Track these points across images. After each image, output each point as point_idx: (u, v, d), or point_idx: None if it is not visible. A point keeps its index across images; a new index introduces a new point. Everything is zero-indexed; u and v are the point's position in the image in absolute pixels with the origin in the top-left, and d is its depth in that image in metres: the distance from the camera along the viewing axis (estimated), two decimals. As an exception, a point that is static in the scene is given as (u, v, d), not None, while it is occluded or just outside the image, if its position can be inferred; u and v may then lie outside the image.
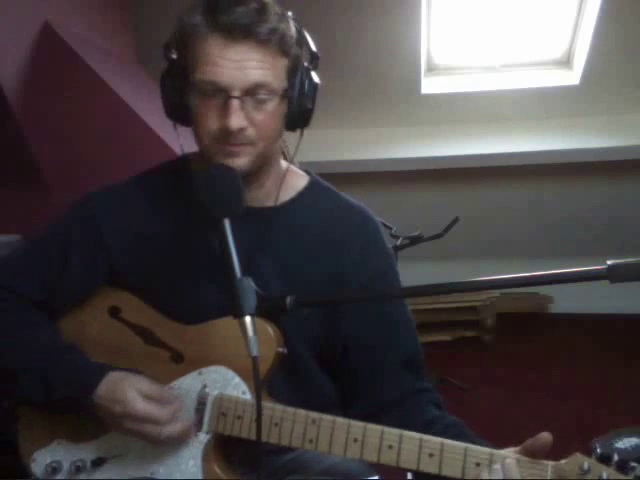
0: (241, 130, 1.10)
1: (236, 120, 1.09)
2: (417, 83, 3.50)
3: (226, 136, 1.11)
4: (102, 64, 2.51)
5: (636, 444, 0.95)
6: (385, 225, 3.18)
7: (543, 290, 4.01)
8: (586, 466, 0.93)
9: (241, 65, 1.08)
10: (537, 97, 3.56)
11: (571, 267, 0.91)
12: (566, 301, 4.00)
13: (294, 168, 1.32)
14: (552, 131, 3.62)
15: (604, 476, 0.91)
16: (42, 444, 1.24)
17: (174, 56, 1.16)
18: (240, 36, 1.08)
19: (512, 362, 3.62)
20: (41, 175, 2.47)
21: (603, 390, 3.20)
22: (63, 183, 2.43)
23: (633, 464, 0.91)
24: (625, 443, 0.96)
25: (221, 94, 1.10)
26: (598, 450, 0.93)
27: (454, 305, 3.81)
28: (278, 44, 1.11)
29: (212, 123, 1.12)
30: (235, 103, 1.09)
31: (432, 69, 3.63)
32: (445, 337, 3.81)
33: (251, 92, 1.10)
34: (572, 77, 3.49)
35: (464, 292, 3.17)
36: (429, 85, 3.58)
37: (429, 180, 3.85)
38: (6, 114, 2.29)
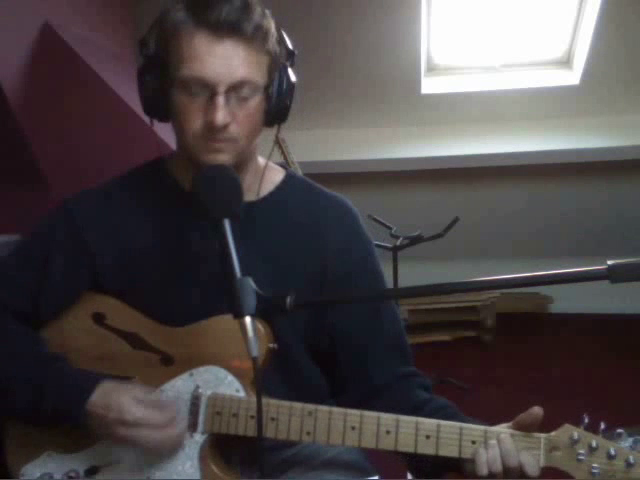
0: (226, 126, 1.11)
1: (222, 116, 1.09)
2: (417, 83, 3.50)
3: (210, 132, 1.11)
4: (102, 64, 2.51)
5: (635, 444, 0.97)
6: (385, 225, 3.18)
7: (543, 290, 4.01)
8: (576, 436, 0.99)
9: (227, 62, 1.09)
10: (537, 97, 3.56)
11: (571, 267, 0.91)
12: (566, 301, 4.00)
13: (270, 163, 1.32)
14: (552, 131, 3.63)
15: (593, 444, 0.97)
16: (30, 457, 1.19)
17: (152, 52, 1.16)
18: (226, 33, 1.08)
19: (512, 362, 3.62)
20: (41, 175, 2.46)
21: (603, 390, 3.20)
22: (63, 183, 2.42)
23: (620, 431, 0.98)
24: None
25: (205, 90, 1.10)
26: (586, 420, 1.00)
27: (454, 305, 3.82)
28: (262, 41, 1.11)
29: (196, 120, 1.11)
30: (221, 99, 1.09)
31: (432, 69, 3.63)
32: (445, 337, 3.82)
33: (236, 88, 1.10)
34: (572, 77, 3.49)
35: (464, 292, 3.18)
36: (429, 85, 3.58)
37: (429, 180, 3.85)
38: (6, 114, 2.29)
